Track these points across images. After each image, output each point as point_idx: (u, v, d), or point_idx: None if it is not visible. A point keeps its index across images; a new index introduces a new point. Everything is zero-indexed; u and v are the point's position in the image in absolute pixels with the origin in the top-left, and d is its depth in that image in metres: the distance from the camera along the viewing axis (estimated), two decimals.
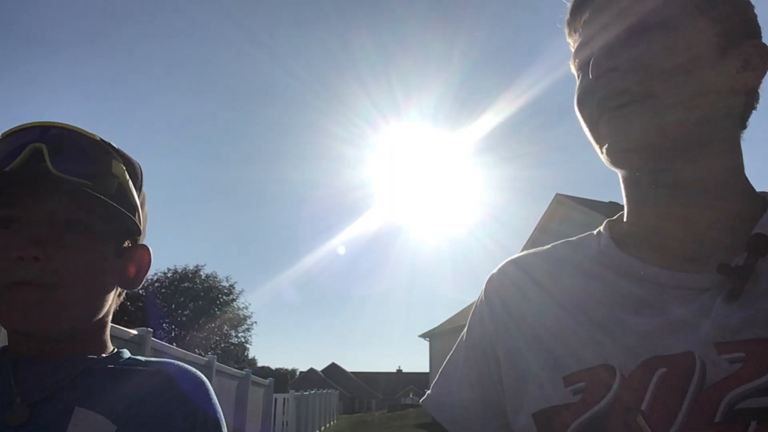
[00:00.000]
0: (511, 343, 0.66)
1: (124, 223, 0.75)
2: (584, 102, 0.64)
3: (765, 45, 0.63)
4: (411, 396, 52.03)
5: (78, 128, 0.74)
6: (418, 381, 55.07)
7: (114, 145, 0.79)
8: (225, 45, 74.81)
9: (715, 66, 0.60)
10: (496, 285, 0.74)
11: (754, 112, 0.64)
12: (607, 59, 0.61)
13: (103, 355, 0.77)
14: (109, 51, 67.29)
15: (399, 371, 64.60)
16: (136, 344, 3.55)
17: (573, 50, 0.68)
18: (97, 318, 0.76)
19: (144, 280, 0.83)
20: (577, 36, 0.67)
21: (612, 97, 0.60)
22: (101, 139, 0.76)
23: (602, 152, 0.63)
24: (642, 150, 0.60)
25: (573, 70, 0.69)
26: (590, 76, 0.62)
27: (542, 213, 18.11)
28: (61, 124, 0.74)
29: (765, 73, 0.62)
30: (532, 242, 17.46)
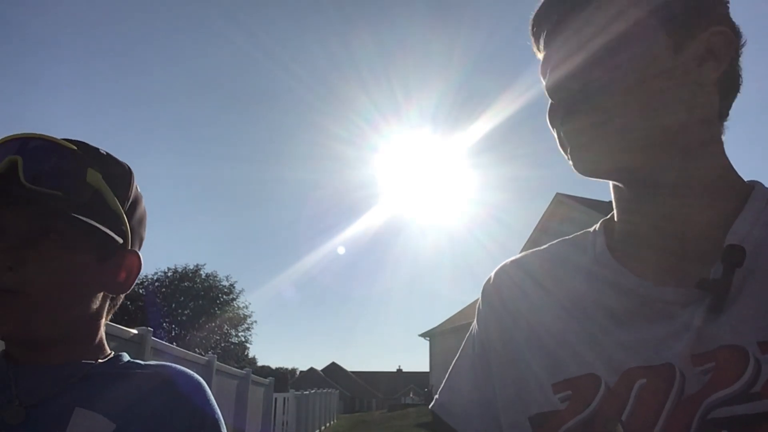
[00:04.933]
0: (512, 345, 0.67)
1: (102, 231, 0.76)
2: (551, 122, 0.65)
3: (728, 31, 0.60)
4: (411, 395, 51.99)
5: (55, 139, 0.76)
6: (418, 380, 55.08)
7: (100, 150, 0.80)
8: (225, 45, 74.81)
9: (671, 67, 0.58)
10: (495, 285, 0.74)
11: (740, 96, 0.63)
12: (561, 81, 0.61)
13: (101, 359, 0.78)
14: (110, 52, 67.31)
15: (399, 371, 64.61)
16: (136, 344, 3.55)
17: (540, 65, 0.68)
18: (82, 322, 0.77)
19: (133, 285, 0.84)
20: (541, 52, 0.67)
21: (568, 121, 0.61)
22: (79, 148, 0.77)
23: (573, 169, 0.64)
24: (609, 173, 0.62)
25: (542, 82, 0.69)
26: (549, 99, 0.62)
27: (542, 213, 18.13)
28: (40, 135, 0.75)
29: (730, 58, 0.60)
30: (532, 242, 17.45)
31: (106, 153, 0.81)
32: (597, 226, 0.70)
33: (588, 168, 0.61)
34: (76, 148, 0.76)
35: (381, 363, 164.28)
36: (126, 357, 0.82)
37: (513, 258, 0.76)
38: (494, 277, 0.75)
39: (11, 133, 0.76)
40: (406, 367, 78.77)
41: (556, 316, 0.64)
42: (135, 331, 3.54)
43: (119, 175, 0.81)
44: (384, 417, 26.36)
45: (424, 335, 27.39)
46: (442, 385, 0.75)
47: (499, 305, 0.72)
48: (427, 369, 29.34)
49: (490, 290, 0.75)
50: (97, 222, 0.74)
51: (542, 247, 0.75)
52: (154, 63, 73.40)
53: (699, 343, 0.54)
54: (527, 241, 18.04)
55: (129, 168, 0.83)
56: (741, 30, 0.62)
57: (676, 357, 0.54)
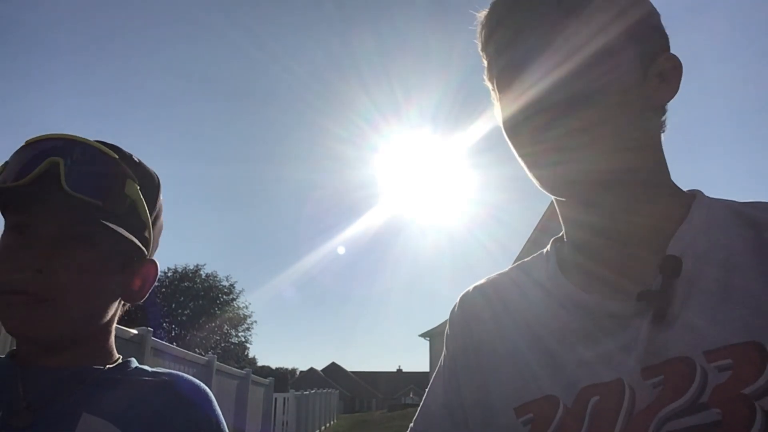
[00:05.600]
0: (477, 371, 0.68)
1: (132, 241, 0.76)
2: (516, 132, 0.63)
3: (676, 57, 0.63)
4: (411, 396, 52.00)
5: (98, 144, 0.75)
6: (418, 381, 55.10)
7: (134, 157, 0.80)
8: (225, 45, 74.86)
9: (640, 89, 0.60)
10: (460, 313, 0.75)
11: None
12: (548, 98, 0.59)
13: (109, 364, 0.78)
14: (111, 51, 67.33)
15: (399, 371, 64.65)
16: (136, 344, 3.55)
17: (491, 67, 0.66)
18: (96, 327, 0.77)
19: (148, 294, 0.83)
20: (495, 53, 0.65)
21: (559, 138, 0.59)
22: (119, 156, 0.77)
23: (534, 180, 0.64)
24: (576, 190, 0.61)
25: (488, 84, 0.68)
26: (519, 109, 0.61)
27: (542, 213, 18.13)
28: (83, 138, 0.75)
29: (678, 85, 0.62)
30: (532, 242, 17.46)
31: (139, 161, 0.81)
32: (549, 246, 0.71)
33: (585, 168, 0.60)
34: (117, 156, 0.76)
35: (381, 363, 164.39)
36: (134, 363, 0.81)
37: (476, 284, 0.77)
38: (459, 304, 0.76)
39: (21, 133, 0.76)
40: (406, 367, 78.95)
41: (515, 341, 0.65)
42: (135, 331, 3.55)
43: (150, 186, 0.81)
44: (384, 417, 26.37)
45: (424, 335, 27.39)
46: (418, 411, 0.76)
47: (463, 333, 0.73)
48: (427, 369, 29.37)
49: (455, 318, 0.76)
50: (128, 232, 0.74)
51: (503, 271, 0.76)
52: (153, 61, 73.44)
53: (648, 356, 0.54)
54: (527, 241, 18.04)
55: (158, 179, 0.84)
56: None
57: (625, 372, 0.55)
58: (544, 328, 0.63)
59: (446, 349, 0.75)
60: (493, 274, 0.76)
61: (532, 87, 0.60)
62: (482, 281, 0.76)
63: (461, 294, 0.77)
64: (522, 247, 18.27)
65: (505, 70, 0.64)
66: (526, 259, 0.75)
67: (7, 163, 0.73)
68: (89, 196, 0.71)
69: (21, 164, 0.72)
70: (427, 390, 0.76)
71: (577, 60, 0.58)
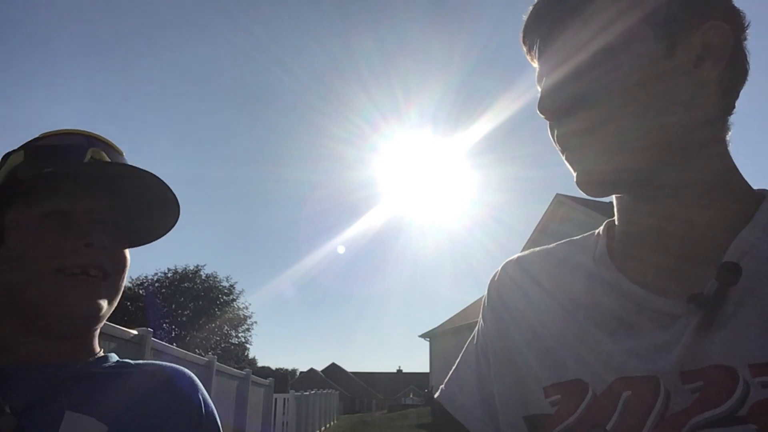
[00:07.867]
0: (510, 344, 0.67)
1: (138, 225, 0.82)
2: (550, 134, 0.64)
3: (721, 24, 0.57)
4: (411, 396, 51.90)
5: (106, 139, 0.81)
6: (418, 381, 55.05)
7: None
8: (225, 45, 74.87)
9: (666, 69, 0.56)
10: (498, 283, 0.75)
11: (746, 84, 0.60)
12: (551, 99, 0.60)
13: (90, 359, 0.77)
14: (111, 51, 67.32)
15: (399, 371, 64.57)
16: (136, 344, 3.55)
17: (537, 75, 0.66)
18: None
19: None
20: (535, 61, 0.66)
21: (562, 138, 0.60)
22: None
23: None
24: (606, 185, 0.60)
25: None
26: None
27: (542, 213, 18.12)
28: (93, 134, 0.80)
29: (722, 55, 0.57)
30: (532, 242, 17.45)
31: None
32: (601, 228, 0.69)
33: (587, 169, 0.59)
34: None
35: (381, 363, 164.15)
36: (114, 357, 0.80)
37: (518, 255, 0.76)
38: (500, 272, 0.75)
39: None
40: (407, 368, 78.72)
41: (552, 319, 0.64)
42: (135, 332, 3.54)
43: None
44: (384, 418, 26.35)
45: (424, 336, 27.38)
46: (449, 376, 0.76)
47: (499, 304, 0.72)
48: (427, 370, 29.35)
49: (493, 288, 0.75)
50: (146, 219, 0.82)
51: (548, 247, 0.74)
52: (152, 62, 73.43)
53: (689, 359, 0.52)
54: (527, 242, 18.02)
55: None
56: (742, 12, 0.59)
57: (663, 371, 0.53)
58: (583, 310, 0.62)
59: (482, 318, 0.75)
60: (539, 248, 0.75)
61: (550, 84, 0.60)
62: (526, 252, 0.75)
63: (505, 261, 0.76)
64: (522, 247, 18.26)
65: (538, 73, 0.65)
66: (575, 238, 0.73)
67: (27, 152, 0.75)
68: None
69: (62, 152, 0.75)
70: (460, 356, 0.76)
71: (575, 61, 0.58)
